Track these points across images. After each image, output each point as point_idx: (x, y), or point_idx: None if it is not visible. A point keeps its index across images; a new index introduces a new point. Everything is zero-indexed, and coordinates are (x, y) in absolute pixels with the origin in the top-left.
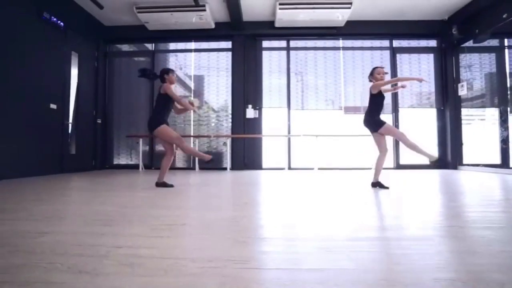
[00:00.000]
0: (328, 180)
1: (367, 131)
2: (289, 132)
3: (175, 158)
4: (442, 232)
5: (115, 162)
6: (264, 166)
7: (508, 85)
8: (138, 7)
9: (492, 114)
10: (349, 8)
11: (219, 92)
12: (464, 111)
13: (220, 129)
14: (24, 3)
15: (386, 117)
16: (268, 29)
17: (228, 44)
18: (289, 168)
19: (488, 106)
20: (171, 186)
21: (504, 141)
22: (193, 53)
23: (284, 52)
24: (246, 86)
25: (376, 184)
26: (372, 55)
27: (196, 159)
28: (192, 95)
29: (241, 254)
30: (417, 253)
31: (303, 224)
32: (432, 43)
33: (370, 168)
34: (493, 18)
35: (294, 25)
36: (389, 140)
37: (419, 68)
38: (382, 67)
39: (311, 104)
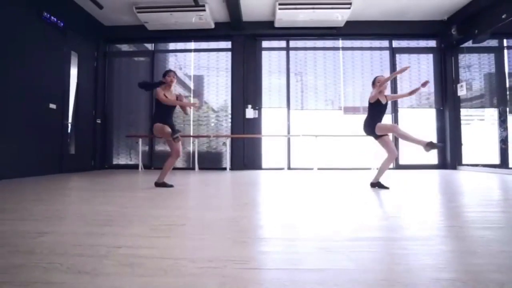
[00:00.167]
0: (328, 180)
1: None
2: (288, 132)
3: None
4: (442, 232)
5: (114, 162)
6: (263, 166)
7: (507, 85)
8: (138, 7)
9: (491, 114)
10: (349, 8)
11: (218, 92)
12: (463, 111)
13: (219, 129)
14: (24, 3)
15: (386, 117)
16: (267, 29)
17: (227, 44)
18: (289, 168)
19: (487, 107)
20: (171, 186)
21: (503, 141)
22: (192, 53)
23: (283, 52)
24: (246, 86)
25: (376, 185)
26: (372, 55)
27: (196, 159)
28: (192, 95)
29: (241, 254)
30: (417, 253)
31: (303, 224)
32: (432, 43)
33: (371, 169)
34: (493, 19)
35: (293, 25)
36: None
37: (418, 68)
38: (382, 76)
39: (311, 104)
